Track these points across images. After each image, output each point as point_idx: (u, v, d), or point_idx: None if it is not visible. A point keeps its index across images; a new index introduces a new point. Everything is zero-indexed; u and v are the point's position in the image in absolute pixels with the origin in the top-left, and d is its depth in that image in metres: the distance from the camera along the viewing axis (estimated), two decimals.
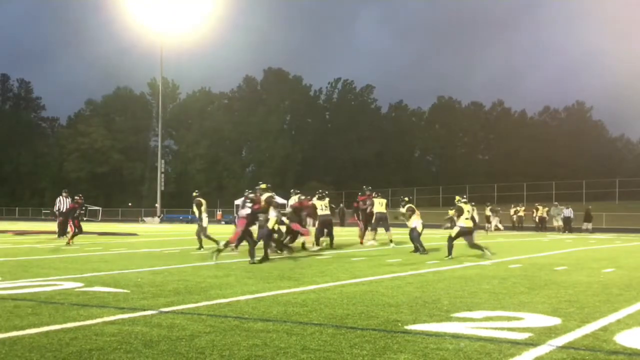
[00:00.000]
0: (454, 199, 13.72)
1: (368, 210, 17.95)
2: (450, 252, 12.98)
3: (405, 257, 13.51)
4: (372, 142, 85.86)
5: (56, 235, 22.00)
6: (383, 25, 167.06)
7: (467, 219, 13.05)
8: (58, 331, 5.10)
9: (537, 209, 36.04)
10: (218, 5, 63.38)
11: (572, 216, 34.02)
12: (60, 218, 22.13)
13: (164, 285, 8.12)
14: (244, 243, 12.52)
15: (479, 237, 15.13)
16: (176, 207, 72.23)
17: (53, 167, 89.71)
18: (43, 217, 66.06)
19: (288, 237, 15.04)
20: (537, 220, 35.69)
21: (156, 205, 59.52)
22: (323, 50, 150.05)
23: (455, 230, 13.15)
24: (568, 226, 33.51)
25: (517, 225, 36.36)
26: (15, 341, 4.74)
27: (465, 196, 13.91)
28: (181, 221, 57.17)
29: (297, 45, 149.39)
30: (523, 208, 37.57)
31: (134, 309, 6.22)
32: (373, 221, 17.69)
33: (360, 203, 18.34)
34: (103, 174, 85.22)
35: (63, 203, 22.75)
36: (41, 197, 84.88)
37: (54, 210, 23.15)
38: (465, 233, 13.08)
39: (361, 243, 18.02)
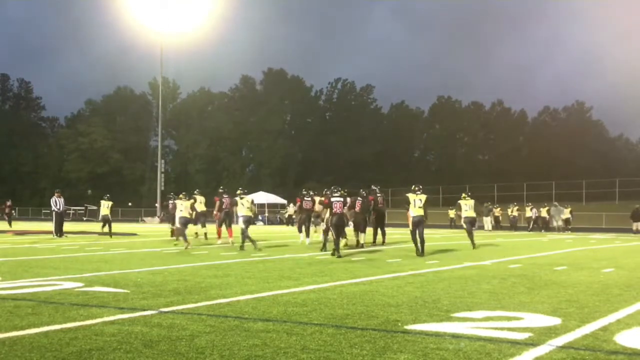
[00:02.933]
0: (456, 198, 15.45)
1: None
2: (472, 243, 15.47)
3: (405, 257, 13.51)
4: (372, 142, 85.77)
5: (52, 235, 22.11)
6: (385, 25, 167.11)
7: (466, 210, 15.99)
8: (58, 331, 5.10)
9: (530, 209, 36.66)
10: (219, 5, 63.41)
11: (535, 215, 34.63)
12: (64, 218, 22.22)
13: (163, 285, 8.12)
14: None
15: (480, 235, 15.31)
16: None
17: (53, 167, 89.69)
18: (43, 217, 66.02)
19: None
20: (524, 219, 36.53)
21: (156, 205, 59.48)
22: (325, 50, 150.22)
23: (463, 222, 16.27)
24: (542, 225, 34.25)
25: (525, 226, 36.84)
26: (15, 341, 4.74)
27: (469, 193, 16.84)
28: None
29: (299, 44, 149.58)
30: (528, 208, 37.84)
31: (134, 309, 6.22)
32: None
33: (372, 203, 18.35)
34: (103, 174, 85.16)
35: (58, 203, 22.81)
36: (41, 197, 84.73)
37: (52, 210, 23.19)
38: (470, 222, 15.92)
39: (374, 243, 17.90)
